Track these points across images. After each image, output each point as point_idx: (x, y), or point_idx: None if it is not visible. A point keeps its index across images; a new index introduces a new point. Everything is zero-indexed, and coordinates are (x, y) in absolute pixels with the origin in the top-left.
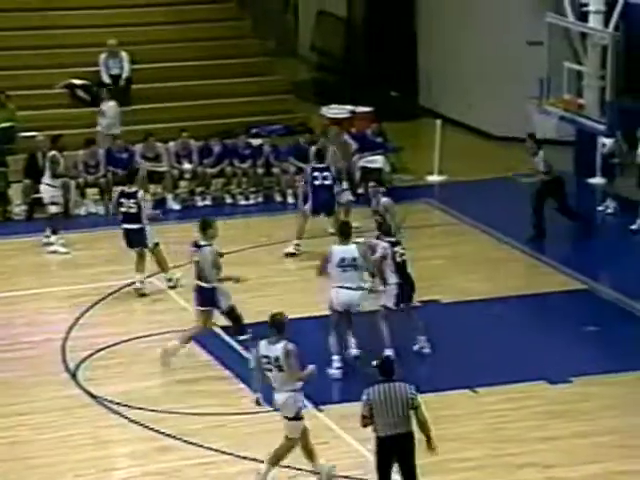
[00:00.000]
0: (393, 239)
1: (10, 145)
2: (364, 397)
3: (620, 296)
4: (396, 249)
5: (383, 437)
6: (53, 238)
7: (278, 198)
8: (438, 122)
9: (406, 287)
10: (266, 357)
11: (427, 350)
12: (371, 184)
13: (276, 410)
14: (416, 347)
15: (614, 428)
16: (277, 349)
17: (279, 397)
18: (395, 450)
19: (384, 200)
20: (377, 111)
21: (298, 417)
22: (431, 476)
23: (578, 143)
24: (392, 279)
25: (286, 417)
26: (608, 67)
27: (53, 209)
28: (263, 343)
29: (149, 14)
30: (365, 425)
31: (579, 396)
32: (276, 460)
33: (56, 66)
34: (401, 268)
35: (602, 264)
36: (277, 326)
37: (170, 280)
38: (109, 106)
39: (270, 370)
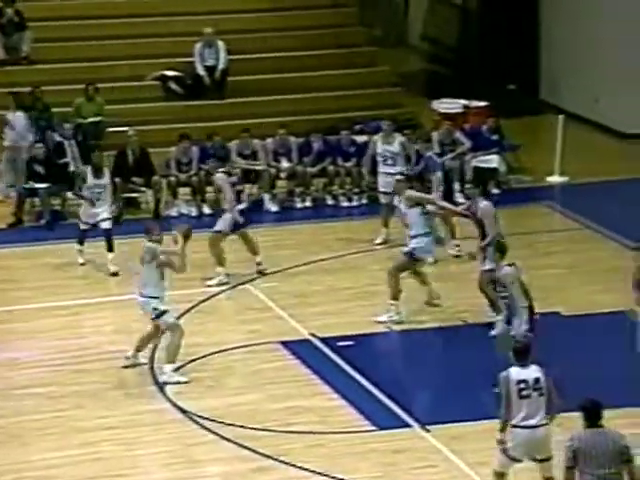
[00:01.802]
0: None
1: (98, 141)
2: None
3: None
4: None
5: None
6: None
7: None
8: (560, 118)
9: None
10: (524, 381)
11: None
12: (467, 186)
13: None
14: None
15: None
16: (534, 370)
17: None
18: None
19: (483, 205)
20: (493, 106)
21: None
22: None
23: None
24: (522, 302)
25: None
26: None
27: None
28: (514, 369)
29: (247, 1)
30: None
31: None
32: None
33: (147, 56)
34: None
35: None
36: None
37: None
38: (16, 116)
39: (528, 396)
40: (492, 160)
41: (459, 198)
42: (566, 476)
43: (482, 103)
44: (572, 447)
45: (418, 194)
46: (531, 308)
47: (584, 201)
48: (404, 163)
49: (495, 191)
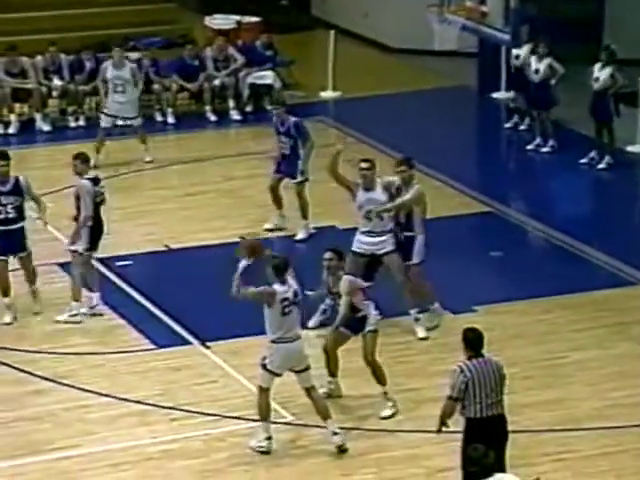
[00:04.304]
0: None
1: None
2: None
3: (526, 219)
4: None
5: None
6: None
7: (159, 117)
8: (332, 33)
9: None
10: (286, 299)
11: None
12: (269, 106)
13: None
14: None
15: (519, 359)
16: (292, 284)
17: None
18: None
19: (294, 120)
20: (266, 22)
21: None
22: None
23: (481, 55)
24: None
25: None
26: None
27: None
28: (277, 287)
29: None
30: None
31: (483, 325)
32: None
33: None
34: None
35: (509, 185)
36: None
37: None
38: None
39: (290, 312)
40: (267, 76)
41: (235, 115)
42: (449, 406)
43: (255, 19)
44: (464, 379)
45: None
46: None
47: (356, 116)
48: (133, 90)
49: (270, 107)
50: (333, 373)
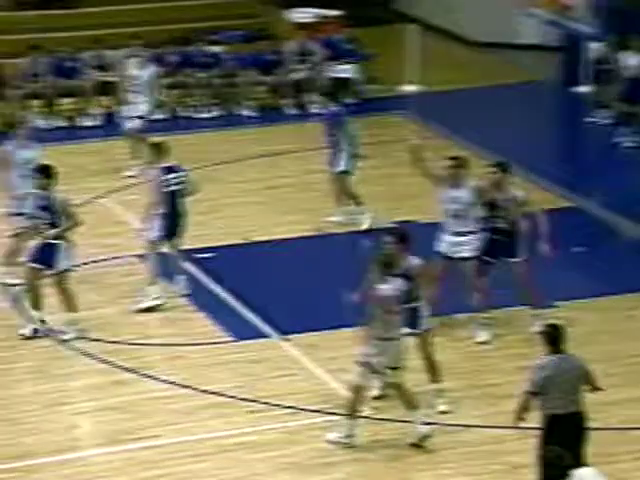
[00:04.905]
0: None
1: None
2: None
3: (610, 214)
4: None
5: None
6: None
7: (239, 111)
8: (415, 27)
9: None
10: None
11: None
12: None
13: None
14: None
15: (602, 355)
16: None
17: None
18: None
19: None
20: (348, 15)
21: None
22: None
23: (565, 48)
24: None
25: None
26: None
27: None
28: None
29: None
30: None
31: (565, 321)
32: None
33: None
34: None
35: (592, 179)
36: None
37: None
38: None
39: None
40: (347, 70)
41: (314, 109)
42: (526, 401)
43: (336, 12)
44: (544, 375)
45: None
46: None
47: (438, 110)
48: (150, 93)
49: (350, 101)
50: None
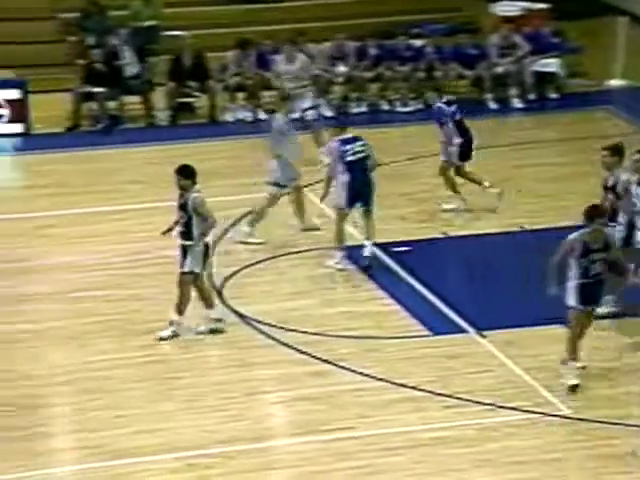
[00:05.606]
0: None
1: (154, 45)
2: None
3: None
4: None
5: None
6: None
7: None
8: (623, 20)
9: None
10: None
11: None
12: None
13: None
14: None
15: None
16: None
17: None
18: None
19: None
20: (554, 8)
21: None
22: None
23: None
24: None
25: None
26: None
27: None
28: None
29: None
30: None
31: None
32: None
33: None
34: None
35: None
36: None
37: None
38: None
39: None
40: (551, 64)
41: (517, 103)
42: None
43: (543, 5)
44: None
45: None
46: None
47: None
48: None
49: (554, 95)
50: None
